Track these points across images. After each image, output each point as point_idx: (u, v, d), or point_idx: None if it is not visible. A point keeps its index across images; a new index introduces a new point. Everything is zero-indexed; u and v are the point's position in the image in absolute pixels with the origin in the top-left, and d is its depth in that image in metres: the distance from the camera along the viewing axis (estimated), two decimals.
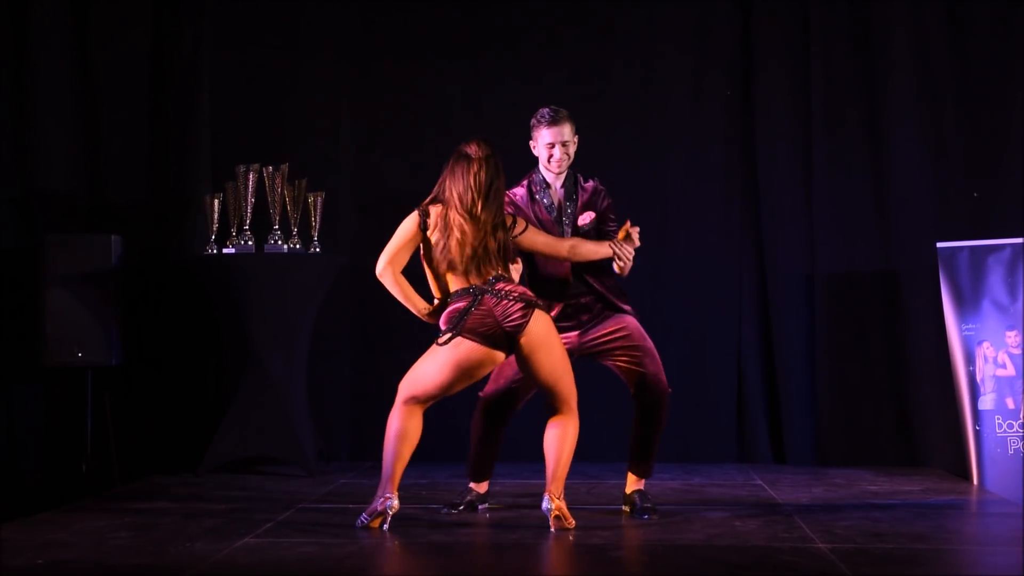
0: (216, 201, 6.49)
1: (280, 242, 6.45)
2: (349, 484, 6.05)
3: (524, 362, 4.80)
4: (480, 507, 5.29)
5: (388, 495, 4.78)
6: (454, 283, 4.82)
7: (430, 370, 4.81)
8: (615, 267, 5.08)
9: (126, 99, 6.93)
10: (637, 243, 5.07)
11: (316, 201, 6.51)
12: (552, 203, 5.15)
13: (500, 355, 4.78)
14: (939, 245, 6.57)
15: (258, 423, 6.37)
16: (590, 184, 5.22)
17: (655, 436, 5.15)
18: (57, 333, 6.37)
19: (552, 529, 4.74)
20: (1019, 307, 6.32)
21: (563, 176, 5.17)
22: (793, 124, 7.03)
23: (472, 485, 5.30)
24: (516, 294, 4.74)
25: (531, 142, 5.18)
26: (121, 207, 6.87)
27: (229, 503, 5.52)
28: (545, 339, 4.76)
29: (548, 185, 5.17)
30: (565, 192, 5.17)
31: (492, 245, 4.76)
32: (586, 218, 5.14)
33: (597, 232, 5.16)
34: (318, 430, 6.73)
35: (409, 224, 4.87)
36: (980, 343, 6.41)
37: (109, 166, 6.91)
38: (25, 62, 6.82)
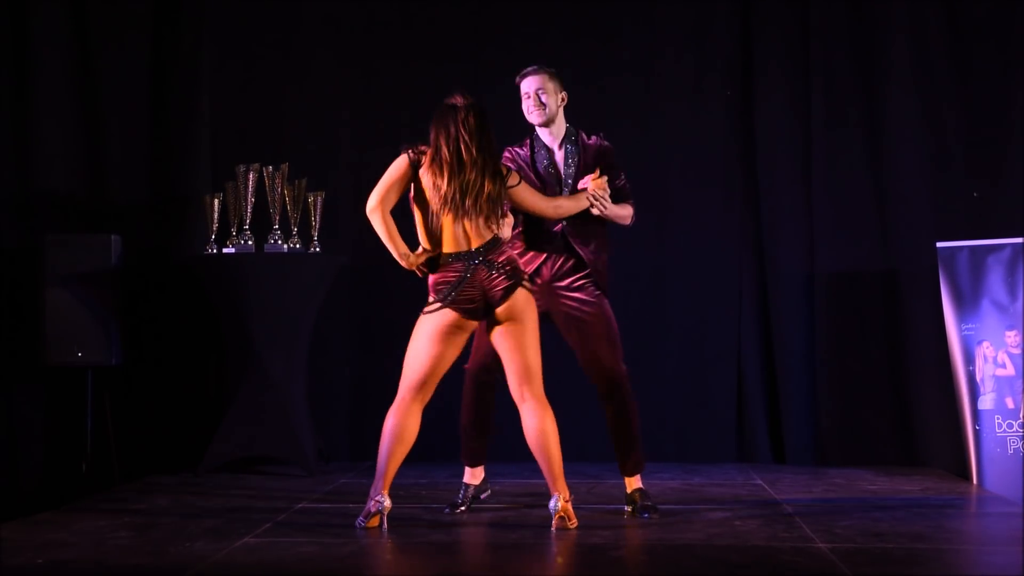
0: (216, 201, 6.49)
1: (280, 242, 6.45)
2: (349, 484, 6.05)
3: (493, 327, 4.83)
4: (483, 495, 5.30)
5: (379, 496, 4.79)
6: (448, 238, 4.82)
7: (417, 349, 4.84)
8: (594, 211, 5.06)
9: (126, 99, 6.93)
10: (606, 188, 5.06)
11: (316, 201, 6.51)
12: (551, 164, 5.16)
13: (478, 323, 4.85)
14: (939, 245, 6.57)
15: (258, 423, 6.37)
16: (593, 140, 5.23)
17: (630, 425, 5.12)
18: (57, 333, 6.37)
19: (553, 528, 4.74)
20: (1019, 307, 6.32)
21: (561, 135, 5.19)
22: (793, 124, 7.03)
23: (467, 478, 5.31)
24: (508, 269, 4.78)
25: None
26: (121, 207, 6.87)
27: (229, 503, 5.52)
28: (519, 313, 4.80)
29: (548, 147, 5.19)
30: (565, 152, 5.18)
31: (490, 189, 4.77)
32: (587, 181, 5.14)
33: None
34: (318, 430, 6.73)
35: (400, 163, 4.88)
36: (980, 343, 6.41)
37: (109, 166, 6.91)
38: (25, 62, 6.82)
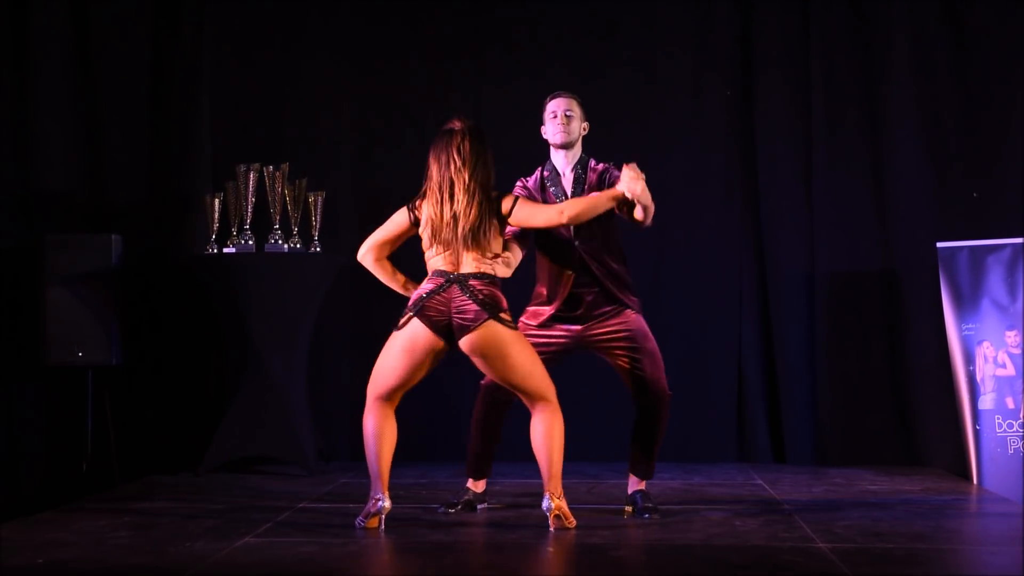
0: (216, 200, 6.50)
1: (280, 242, 6.45)
2: (349, 484, 6.04)
3: (472, 360, 4.79)
4: (479, 507, 5.30)
5: (378, 496, 4.80)
6: (434, 259, 4.78)
7: (386, 360, 4.83)
8: (636, 214, 4.97)
9: (126, 99, 6.93)
10: (639, 175, 4.92)
11: (316, 201, 6.51)
12: (559, 188, 5.17)
13: (443, 344, 4.77)
14: (939, 245, 6.57)
15: (258, 423, 6.38)
16: (600, 166, 5.23)
17: (655, 438, 5.15)
18: (57, 333, 6.37)
19: (552, 528, 4.74)
20: (1019, 307, 6.32)
21: (574, 161, 5.19)
22: (793, 124, 7.03)
23: (470, 484, 5.30)
24: (483, 296, 4.71)
25: (542, 127, 5.22)
26: (121, 207, 6.87)
27: (229, 503, 5.52)
28: (489, 350, 4.71)
29: (559, 172, 5.20)
30: (575, 177, 5.19)
31: (474, 218, 4.70)
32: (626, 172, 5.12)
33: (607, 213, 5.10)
34: (318, 430, 6.73)
35: (400, 219, 4.88)
36: (980, 343, 6.41)
37: (109, 166, 6.91)
38: (25, 62, 6.82)
